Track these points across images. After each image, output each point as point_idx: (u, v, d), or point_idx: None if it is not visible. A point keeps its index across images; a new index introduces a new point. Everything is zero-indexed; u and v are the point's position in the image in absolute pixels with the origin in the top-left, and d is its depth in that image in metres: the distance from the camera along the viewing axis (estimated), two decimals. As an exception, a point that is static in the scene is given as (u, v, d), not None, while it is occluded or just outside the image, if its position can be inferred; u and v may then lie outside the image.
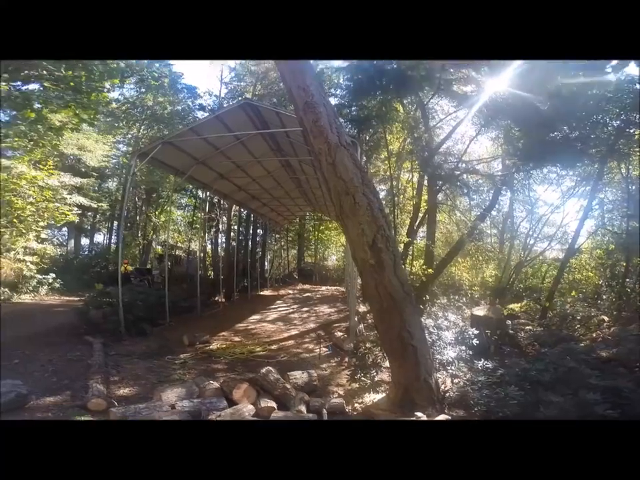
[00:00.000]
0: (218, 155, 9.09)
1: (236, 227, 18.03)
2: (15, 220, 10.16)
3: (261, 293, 15.94)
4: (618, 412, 2.56)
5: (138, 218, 20.01)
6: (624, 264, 8.64)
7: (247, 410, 3.99)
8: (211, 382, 4.63)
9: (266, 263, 22.61)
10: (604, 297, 8.63)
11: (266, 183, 12.41)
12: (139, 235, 19.78)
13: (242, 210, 16.92)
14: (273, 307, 12.09)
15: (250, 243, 19.42)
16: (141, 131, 17.70)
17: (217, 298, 12.28)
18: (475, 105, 9.25)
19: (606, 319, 7.16)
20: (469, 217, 14.66)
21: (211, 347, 6.71)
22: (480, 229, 13.28)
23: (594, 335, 6.52)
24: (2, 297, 9.21)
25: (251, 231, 19.70)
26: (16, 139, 9.30)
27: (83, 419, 3.54)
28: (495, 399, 3.39)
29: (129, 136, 18.00)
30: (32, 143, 9.80)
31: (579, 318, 7.32)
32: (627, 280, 8.30)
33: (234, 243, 16.79)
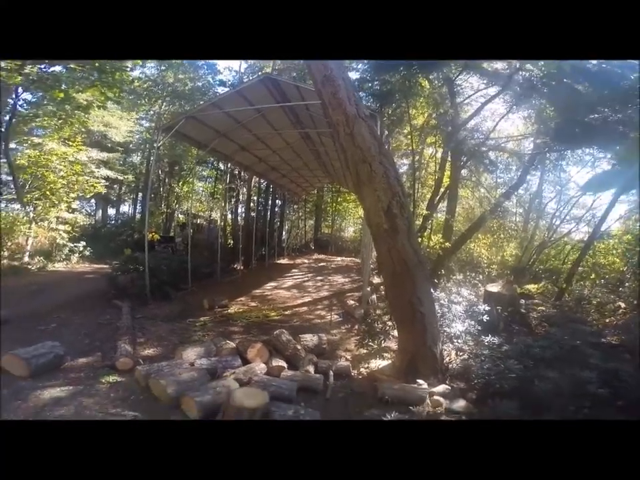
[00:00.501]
0: (239, 128, 9.21)
1: (255, 198, 18.29)
2: (47, 192, 10.85)
3: (278, 262, 16.36)
4: (609, 391, 2.65)
5: (161, 189, 20.69)
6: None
7: (259, 368, 4.33)
8: (228, 342, 5.00)
9: (284, 233, 22.99)
10: (626, 284, 8.36)
11: (286, 154, 12.44)
12: (162, 204, 20.50)
13: (261, 181, 17.10)
14: (289, 275, 12.46)
15: (269, 213, 19.70)
16: (162, 107, 18.00)
17: (235, 265, 12.74)
18: (506, 82, 8.69)
19: (623, 305, 7.00)
20: (494, 195, 14.19)
21: (229, 310, 7.11)
22: (504, 207, 12.90)
23: (607, 320, 6.43)
24: (38, 266, 9.92)
25: (269, 202, 19.93)
26: (45, 118, 9.92)
27: (110, 380, 3.89)
28: (495, 372, 3.52)
29: (151, 112, 18.33)
30: (61, 121, 10.32)
31: (594, 303, 7.20)
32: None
33: (253, 213, 17.11)
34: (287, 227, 24.29)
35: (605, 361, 3.25)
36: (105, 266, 10.14)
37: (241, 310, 7.21)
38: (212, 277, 10.08)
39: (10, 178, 11.04)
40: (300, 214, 25.67)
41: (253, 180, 16.62)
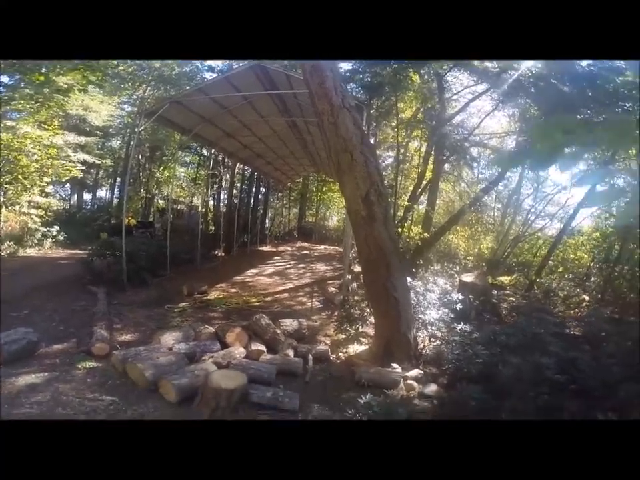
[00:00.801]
0: (225, 114, 9.09)
1: (239, 185, 18.10)
2: (19, 176, 10.39)
3: (260, 249, 16.32)
4: (566, 378, 2.87)
5: (141, 174, 20.19)
6: (618, 248, 8.70)
7: (238, 352, 4.38)
8: (207, 327, 5.01)
9: (267, 220, 22.88)
10: (592, 278, 8.83)
11: (271, 142, 12.34)
12: (142, 190, 20.01)
13: (246, 168, 16.91)
14: (271, 262, 12.48)
15: (252, 200, 19.54)
16: (146, 91, 17.42)
17: (216, 252, 12.63)
18: (494, 80, 8.89)
19: (587, 298, 7.42)
20: (474, 189, 14.56)
21: (208, 297, 7.08)
22: (483, 201, 13.30)
23: (572, 312, 6.82)
24: (8, 251, 9.49)
25: (253, 189, 19.76)
26: (21, 102, 9.48)
27: (87, 365, 3.85)
28: (463, 357, 3.72)
29: (134, 97, 17.67)
30: (37, 104, 9.90)
31: (561, 295, 7.60)
32: (619, 265, 8.37)
33: (236, 200, 16.94)
34: (270, 214, 24.19)
35: (565, 350, 3.47)
36: (79, 251, 9.86)
37: (220, 296, 7.20)
38: (192, 263, 9.97)
39: None
40: (284, 202, 25.57)
41: (237, 167, 16.41)
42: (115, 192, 20.29)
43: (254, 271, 10.29)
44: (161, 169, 20.61)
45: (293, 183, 23.48)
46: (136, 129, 9.52)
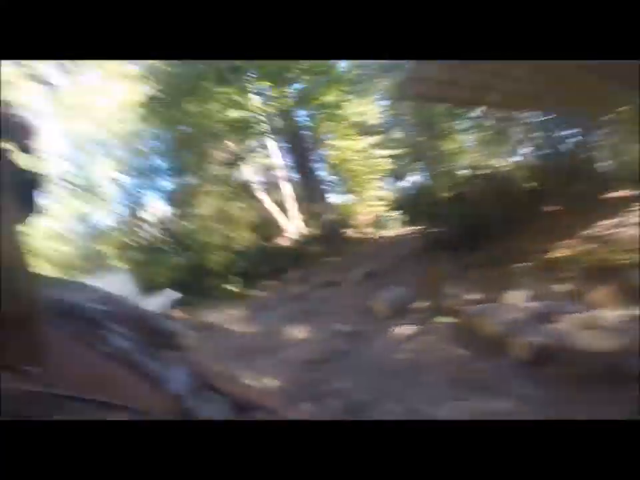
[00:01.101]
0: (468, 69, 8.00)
1: (538, 134, 15.04)
2: (361, 179, 14.34)
3: (607, 196, 12.63)
4: None
5: (429, 153, 21.47)
6: None
7: (607, 315, 3.70)
8: (560, 285, 4.64)
9: (604, 162, 17.35)
10: None
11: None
12: (441, 164, 21.42)
13: (539, 114, 13.86)
14: (628, 209, 9.36)
15: (570, 144, 15.56)
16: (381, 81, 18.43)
17: (547, 208, 11.18)
18: None
19: None
20: None
21: (556, 255, 6.37)
22: None
23: None
24: (371, 235, 13.06)
25: (563, 132, 15.71)
26: (323, 124, 13.06)
27: (443, 320, 4.57)
28: None
29: (379, 89, 18.79)
30: (331, 122, 13.20)
31: None
32: None
33: (543, 151, 14.29)
34: (605, 153, 18.11)
35: None
36: (420, 227, 12.16)
37: (571, 253, 6.28)
38: (520, 222, 9.42)
39: (333, 177, 15.78)
40: (619, 137, 18.25)
41: (520, 114, 13.74)
42: (422, 174, 22.77)
43: (607, 221, 8.16)
44: (444, 142, 21.17)
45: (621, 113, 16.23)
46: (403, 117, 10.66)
